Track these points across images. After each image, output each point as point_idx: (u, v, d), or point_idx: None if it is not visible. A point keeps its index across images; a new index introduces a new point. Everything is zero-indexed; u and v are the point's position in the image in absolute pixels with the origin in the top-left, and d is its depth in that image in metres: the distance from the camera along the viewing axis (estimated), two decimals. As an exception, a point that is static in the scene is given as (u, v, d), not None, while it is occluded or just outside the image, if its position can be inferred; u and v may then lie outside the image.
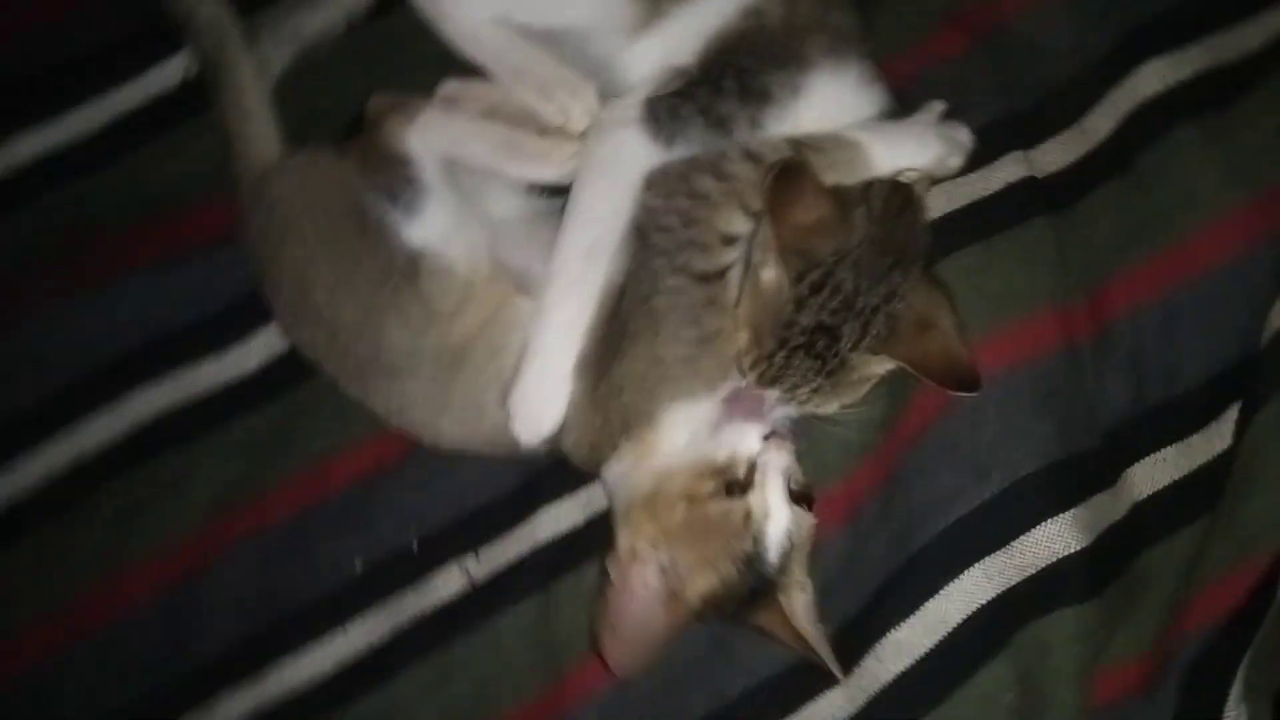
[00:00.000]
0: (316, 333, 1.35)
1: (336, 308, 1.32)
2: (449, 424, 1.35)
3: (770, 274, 1.23)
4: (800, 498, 1.25)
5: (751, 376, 1.25)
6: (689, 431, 1.28)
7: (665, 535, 1.23)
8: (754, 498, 1.24)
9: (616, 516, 1.28)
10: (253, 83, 1.41)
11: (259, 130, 1.41)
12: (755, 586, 1.23)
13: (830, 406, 1.28)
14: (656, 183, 1.29)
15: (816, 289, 1.21)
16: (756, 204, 1.27)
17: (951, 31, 1.50)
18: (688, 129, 1.29)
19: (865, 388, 1.29)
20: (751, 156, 1.28)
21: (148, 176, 1.50)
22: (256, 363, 1.45)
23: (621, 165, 1.30)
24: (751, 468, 1.24)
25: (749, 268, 1.27)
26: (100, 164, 1.50)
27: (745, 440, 1.26)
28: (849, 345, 1.22)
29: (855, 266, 1.22)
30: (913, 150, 1.33)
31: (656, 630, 1.23)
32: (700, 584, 1.23)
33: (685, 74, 1.32)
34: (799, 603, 1.25)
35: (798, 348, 1.22)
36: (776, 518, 1.24)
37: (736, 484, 1.24)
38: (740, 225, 1.28)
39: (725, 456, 1.25)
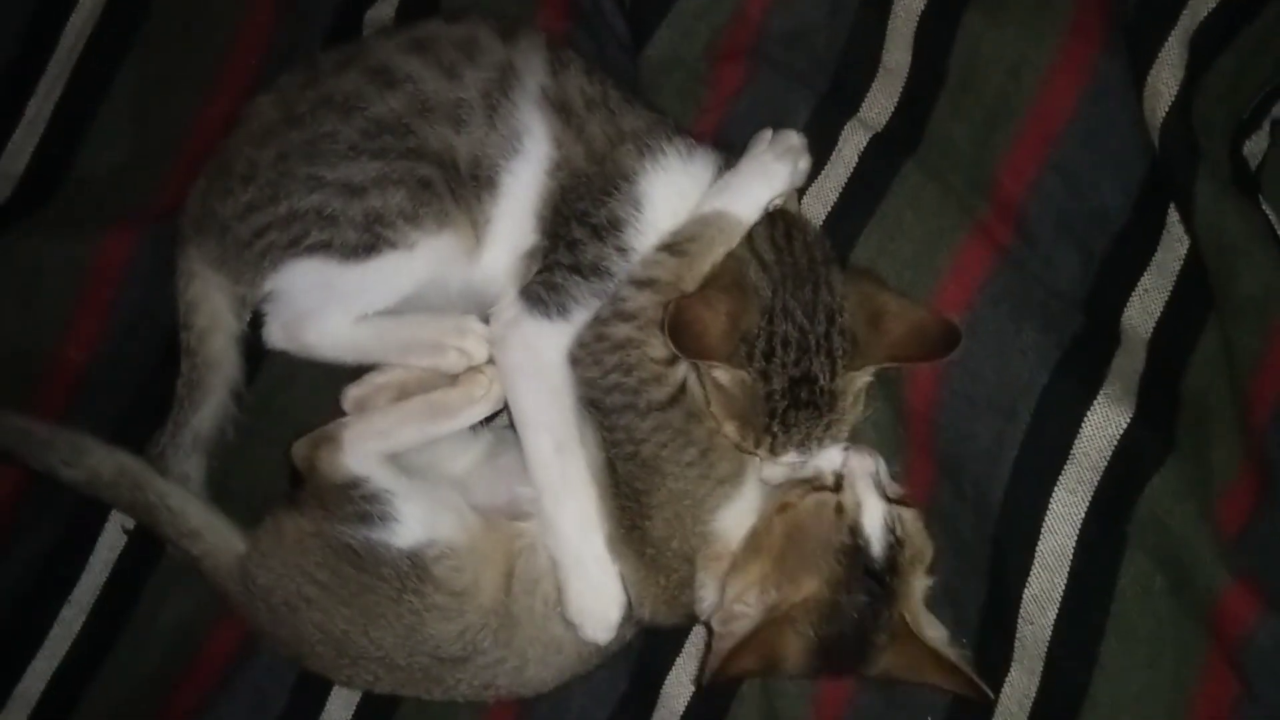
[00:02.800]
0: (377, 669, 1.35)
1: (379, 641, 1.32)
2: (536, 671, 1.36)
3: (722, 374, 1.25)
4: (898, 501, 1.27)
5: (764, 455, 1.27)
6: (749, 518, 1.30)
7: (766, 553, 1.25)
8: (844, 495, 1.26)
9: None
10: (185, 502, 1.40)
11: (215, 538, 1.39)
12: (871, 599, 1.22)
13: (845, 432, 1.29)
14: (580, 358, 1.30)
15: (769, 355, 1.23)
16: None
17: (725, 67, 1.52)
18: (570, 290, 1.31)
19: (863, 400, 1.30)
20: (642, 284, 1.29)
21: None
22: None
23: (534, 358, 1.32)
24: (839, 477, 1.27)
25: (700, 372, 1.29)
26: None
27: (827, 458, 1.28)
28: (828, 379, 1.24)
29: (786, 314, 1.24)
30: (765, 184, 1.33)
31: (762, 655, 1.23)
32: (804, 588, 1.22)
33: (538, 251, 1.35)
34: (930, 635, 1.25)
35: (787, 409, 1.23)
36: (870, 508, 1.25)
37: (826, 489, 1.26)
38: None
39: (812, 473, 1.28)
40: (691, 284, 1.28)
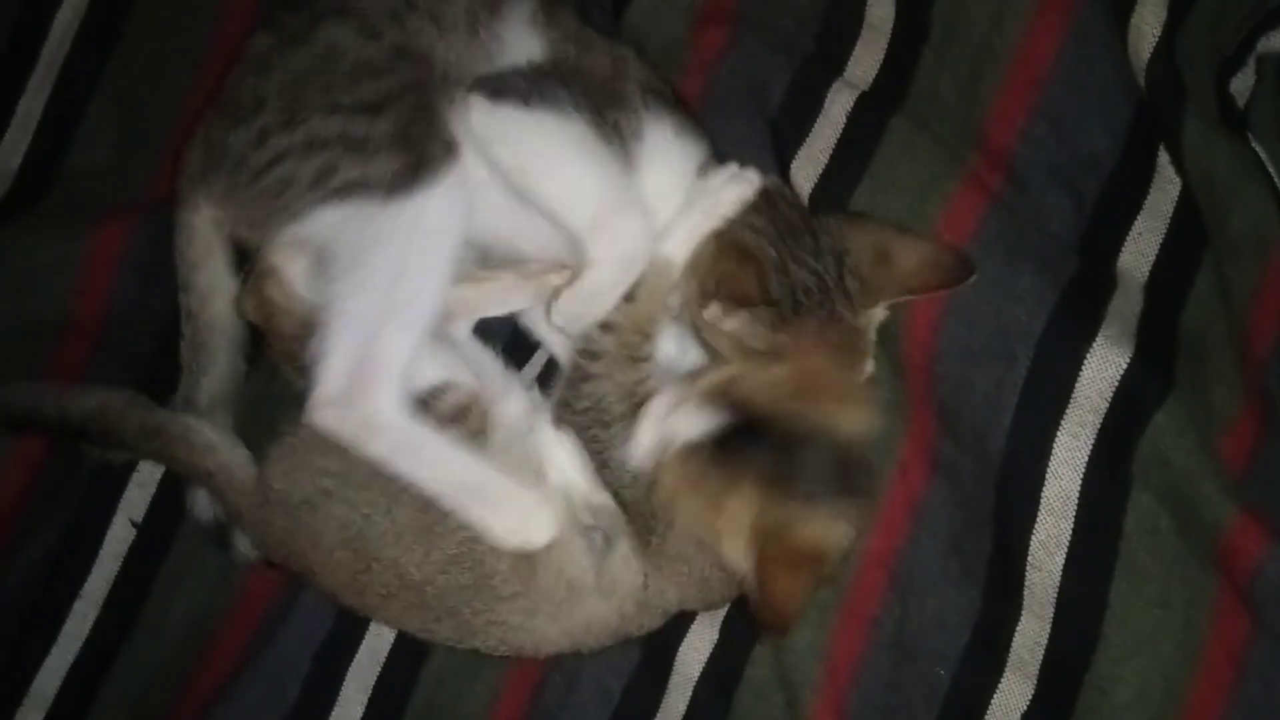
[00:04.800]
0: (390, 579, 1.30)
1: (400, 525, 1.29)
2: (545, 624, 1.32)
3: (760, 338, 1.27)
4: None
5: None
6: None
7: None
8: None
9: None
10: (197, 422, 1.39)
11: (229, 453, 1.37)
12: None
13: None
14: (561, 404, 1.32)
15: (796, 307, 1.27)
16: (643, 344, 1.30)
17: (707, 30, 1.52)
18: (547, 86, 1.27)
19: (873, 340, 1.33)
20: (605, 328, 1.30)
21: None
22: None
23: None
24: None
25: (723, 348, 1.30)
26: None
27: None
28: (852, 318, 1.27)
29: (798, 262, 1.27)
30: (704, 216, 1.30)
31: None
32: None
33: None
34: None
35: None
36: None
37: None
38: (645, 348, 1.31)
39: None
40: (648, 326, 1.29)
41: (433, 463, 1.25)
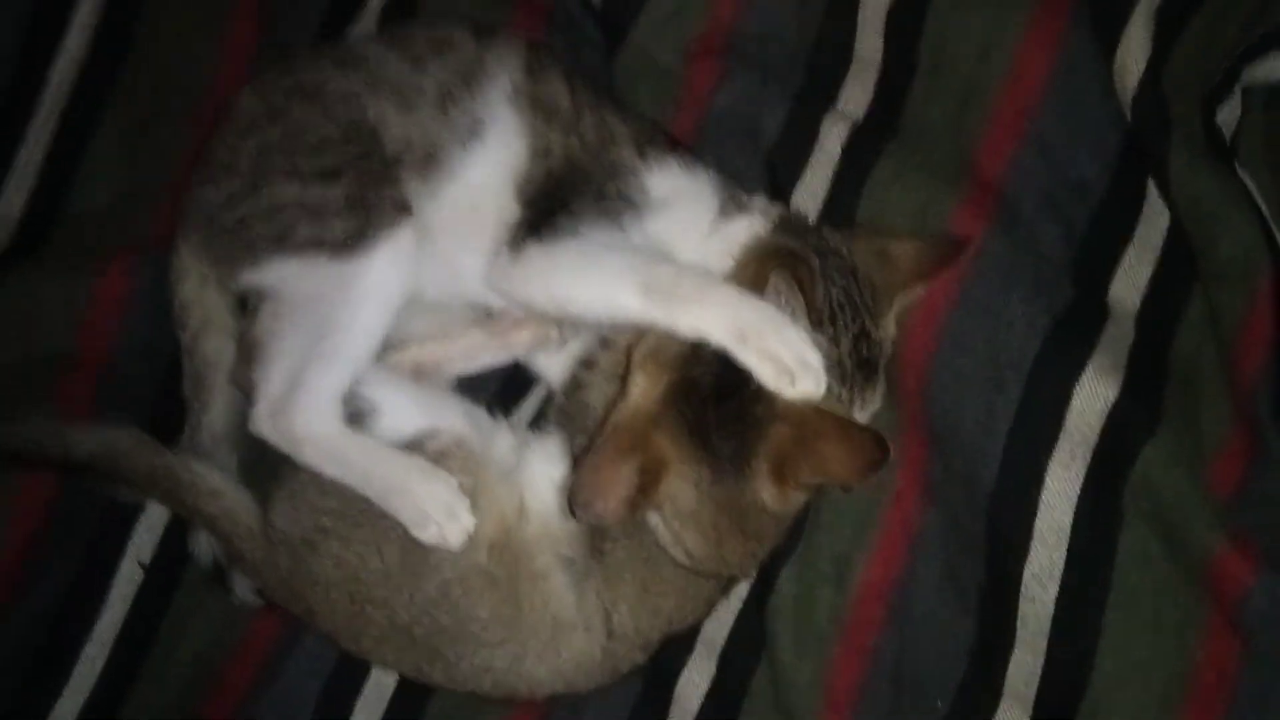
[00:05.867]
0: (383, 622, 1.33)
1: (390, 566, 1.32)
2: (533, 667, 1.34)
3: None
4: None
5: None
6: None
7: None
8: None
9: None
10: (205, 466, 1.41)
11: (234, 497, 1.40)
12: (724, 369, 1.21)
13: (881, 393, 1.35)
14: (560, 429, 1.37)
15: (833, 319, 1.29)
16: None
17: (700, 66, 1.54)
18: (574, 220, 1.32)
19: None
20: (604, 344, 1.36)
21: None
22: None
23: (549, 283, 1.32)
24: None
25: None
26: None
27: None
28: (875, 329, 1.32)
29: (830, 279, 1.30)
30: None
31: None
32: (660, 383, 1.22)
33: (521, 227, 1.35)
34: None
35: (854, 369, 1.30)
36: None
37: None
38: None
39: None
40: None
41: (357, 467, 1.32)
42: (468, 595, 1.32)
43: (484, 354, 1.47)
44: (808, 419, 1.19)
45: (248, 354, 1.39)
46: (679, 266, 1.29)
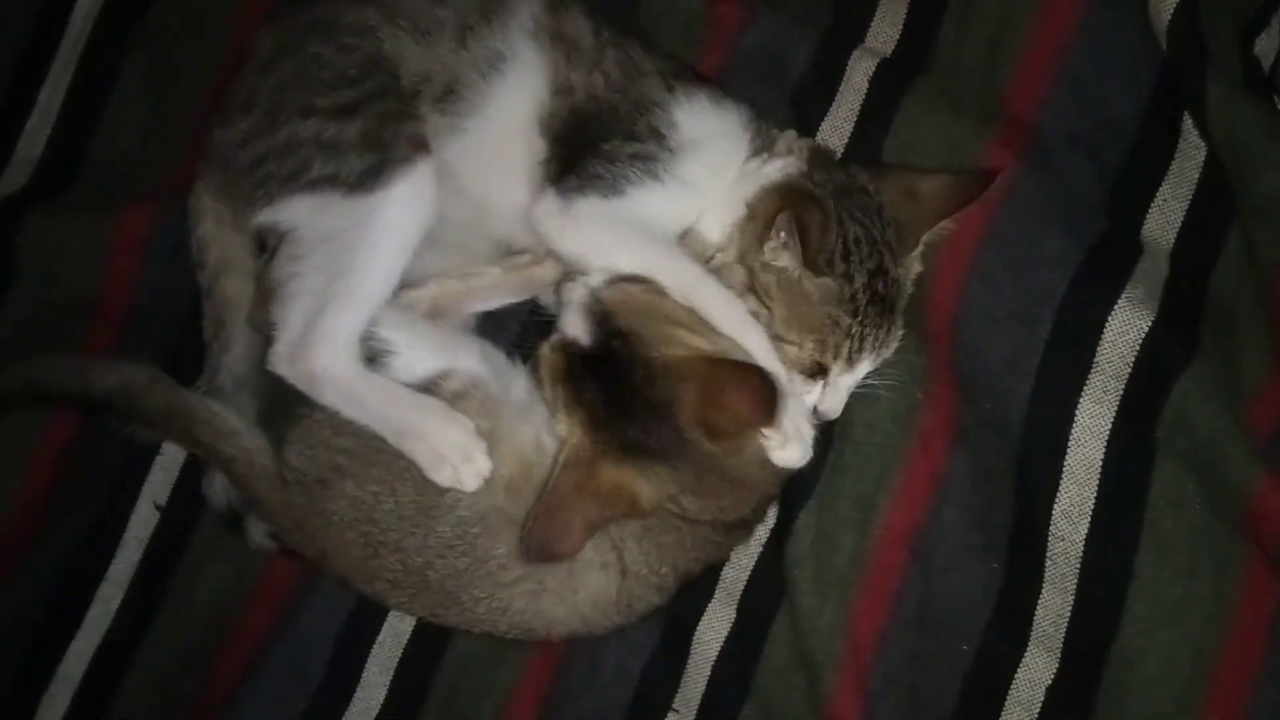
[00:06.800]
0: (396, 564, 1.31)
1: (404, 505, 1.31)
2: (552, 605, 1.33)
3: (810, 283, 1.28)
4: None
5: (838, 366, 1.30)
6: None
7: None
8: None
9: None
10: (222, 407, 1.40)
11: (251, 438, 1.39)
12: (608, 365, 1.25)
13: (898, 335, 1.33)
14: None
15: (846, 256, 1.28)
16: None
17: (725, 6, 1.52)
18: (617, 171, 1.33)
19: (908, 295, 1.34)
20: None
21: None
22: None
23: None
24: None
25: (772, 293, 1.30)
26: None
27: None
28: (894, 267, 1.30)
29: (851, 218, 1.29)
30: None
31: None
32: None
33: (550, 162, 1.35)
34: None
35: (867, 305, 1.28)
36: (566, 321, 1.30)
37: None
38: None
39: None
40: None
41: (374, 409, 1.31)
42: (485, 534, 1.30)
43: (503, 291, 1.45)
44: (701, 371, 1.23)
45: (266, 294, 1.38)
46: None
